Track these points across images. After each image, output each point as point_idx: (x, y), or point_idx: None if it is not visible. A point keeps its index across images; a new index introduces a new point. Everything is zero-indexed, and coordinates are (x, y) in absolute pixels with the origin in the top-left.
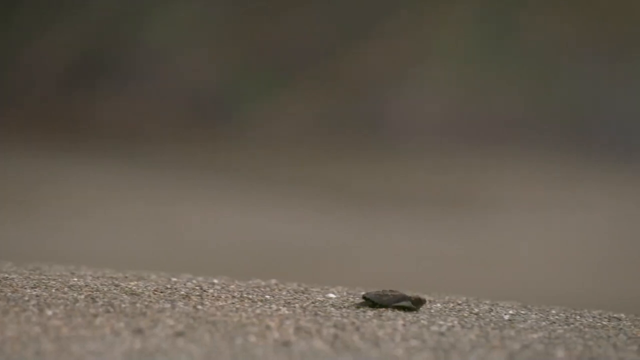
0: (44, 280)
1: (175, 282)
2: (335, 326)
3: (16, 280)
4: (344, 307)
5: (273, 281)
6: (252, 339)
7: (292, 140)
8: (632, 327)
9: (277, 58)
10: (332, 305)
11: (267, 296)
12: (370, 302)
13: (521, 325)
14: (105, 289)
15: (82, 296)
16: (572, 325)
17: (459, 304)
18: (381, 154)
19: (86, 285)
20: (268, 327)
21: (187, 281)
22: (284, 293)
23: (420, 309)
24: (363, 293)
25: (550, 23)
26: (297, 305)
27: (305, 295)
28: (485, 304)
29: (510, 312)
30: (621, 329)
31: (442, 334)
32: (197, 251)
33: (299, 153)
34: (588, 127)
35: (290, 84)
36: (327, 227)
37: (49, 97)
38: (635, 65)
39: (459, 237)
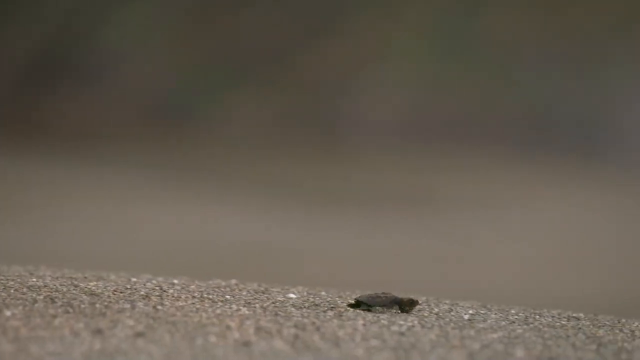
0: (2, 281)
1: (135, 283)
2: (295, 326)
3: None
4: (305, 307)
5: (233, 281)
6: (213, 339)
7: (248, 140)
8: (591, 326)
9: (232, 58)
10: (293, 306)
11: (228, 296)
12: (365, 305)
13: (481, 325)
14: (65, 289)
15: (41, 297)
16: (531, 325)
17: (418, 304)
18: (337, 153)
19: (45, 286)
20: (228, 327)
21: (147, 281)
22: (245, 293)
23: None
24: (356, 297)
25: (507, 23)
26: (257, 305)
27: (266, 295)
28: (445, 303)
29: (470, 311)
30: (580, 328)
31: (402, 333)
32: (157, 251)
33: (255, 153)
34: (545, 127)
35: (245, 84)
36: (285, 227)
37: (4, 98)
38: (592, 65)
39: (417, 236)
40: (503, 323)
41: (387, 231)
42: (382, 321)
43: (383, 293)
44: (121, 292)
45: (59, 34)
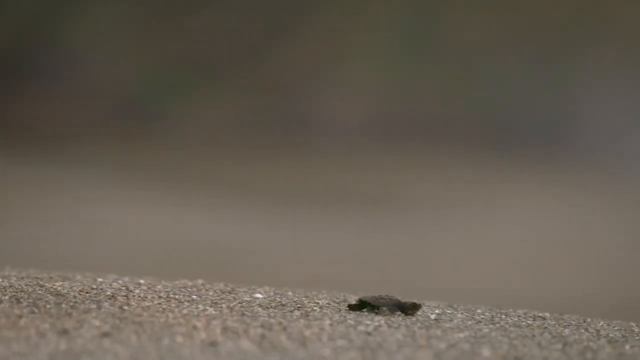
0: None
1: (101, 283)
2: (262, 326)
3: None
4: (271, 307)
5: (200, 281)
6: (179, 339)
7: (212, 139)
8: (557, 326)
9: (197, 59)
10: (259, 305)
11: (194, 296)
12: (370, 306)
13: (447, 325)
14: (30, 289)
15: (7, 297)
16: (497, 325)
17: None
18: (302, 153)
19: (10, 286)
20: (195, 328)
21: (113, 281)
22: (211, 293)
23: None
24: (359, 297)
25: (468, 24)
26: (224, 305)
27: (232, 295)
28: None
29: (437, 311)
30: (546, 327)
31: (369, 333)
32: (123, 251)
33: (221, 153)
34: (507, 126)
35: (211, 84)
36: (251, 227)
37: None
38: (554, 67)
39: (383, 236)
40: (469, 323)
41: (352, 231)
42: (349, 321)
43: (387, 295)
44: (87, 293)
45: (24, 35)
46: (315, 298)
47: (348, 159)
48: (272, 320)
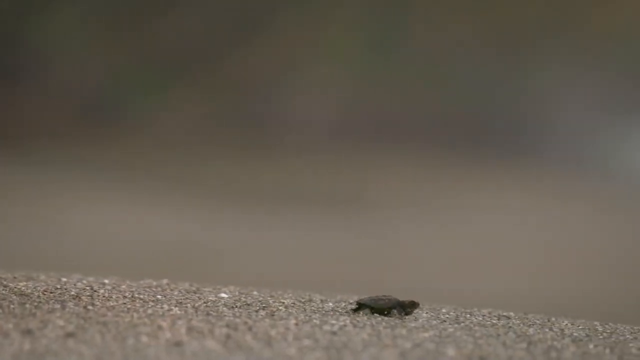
0: None
1: (66, 283)
2: (227, 326)
3: None
4: (236, 306)
5: (165, 281)
6: (144, 339)
7: (179, 140)
8: (521, 325)
9: (164, 59)
10: (225, 305)
11: (159, 296)
12: (368, 308)
13: (412, 324)
14: None
15: None
16: (462, 324)
17: (350, 303)
18: (269, 153)
19: None
20: (160, 327)
21: (78, 281)
22: (176, 293)
23: (390, 310)
24: (357, 299)
25: (437, 24)
26: (189, 305)
27: (197, 295)
28: None
29: None
30: (510, 327)
31: (334, 333)
32: (88, 250)
33: (187, 152)
34: (475, 126)
35: (177, 84)
36: (217, 226)
37: None
38: (522, 66)
39: (349, 236)
40: (434, 322)
41: (318, 230)
42: (314, 321)
43: (385, 296)
44: (51, 292)
45: None
46: (280, 298)
47: (314, 159)
48: (238, 320)
